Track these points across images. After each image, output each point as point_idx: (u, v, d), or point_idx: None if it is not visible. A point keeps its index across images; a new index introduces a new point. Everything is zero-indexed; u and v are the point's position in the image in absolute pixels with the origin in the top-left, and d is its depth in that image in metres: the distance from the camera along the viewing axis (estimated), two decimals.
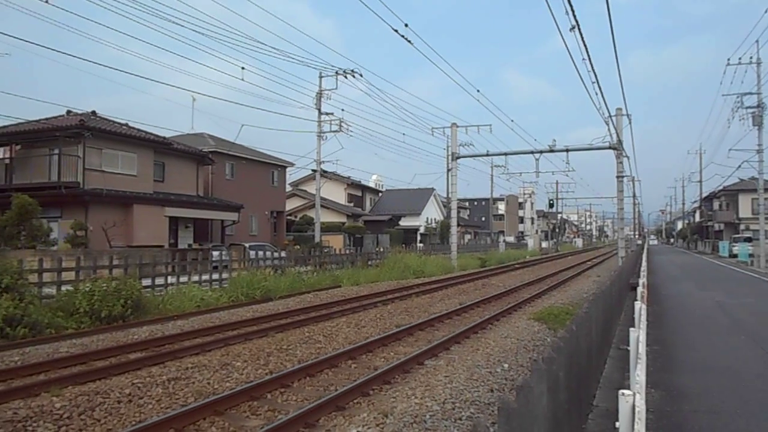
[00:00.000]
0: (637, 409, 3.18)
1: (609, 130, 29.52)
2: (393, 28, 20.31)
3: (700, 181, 67.54)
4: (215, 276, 19.25)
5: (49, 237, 21.85)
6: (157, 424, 6.12)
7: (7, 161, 25.55)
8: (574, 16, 11.65)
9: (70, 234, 22.48)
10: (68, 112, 27.26)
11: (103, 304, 12.73)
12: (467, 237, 73.46)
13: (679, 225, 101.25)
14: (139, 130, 28.60)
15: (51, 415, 6.44)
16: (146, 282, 15.98)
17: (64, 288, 13.97)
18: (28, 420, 6.27)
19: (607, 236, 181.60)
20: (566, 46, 14.69)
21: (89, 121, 25.55)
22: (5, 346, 10.12)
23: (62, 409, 6.60)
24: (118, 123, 28.35)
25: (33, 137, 25.45)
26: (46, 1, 15.59)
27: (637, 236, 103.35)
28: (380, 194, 68.02)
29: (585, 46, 14.19)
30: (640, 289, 10.24)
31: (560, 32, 14.46)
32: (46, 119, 25.95)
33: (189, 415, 6.50)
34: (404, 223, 58.86)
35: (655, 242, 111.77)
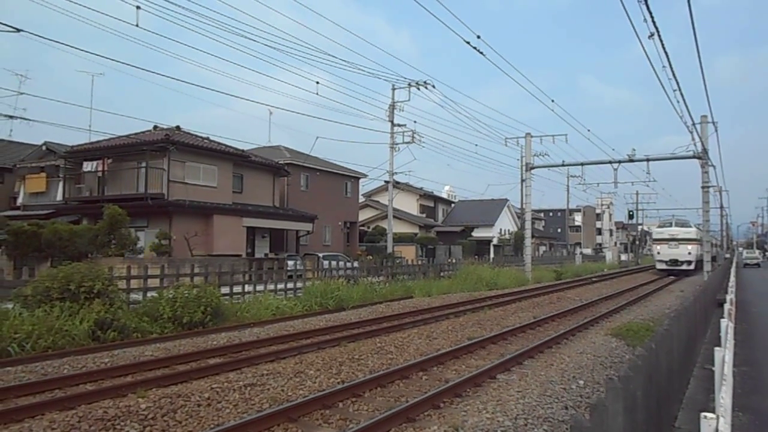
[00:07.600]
0: None
1: (693, 138, 28.31)
2: (465, 40, 20.30)
3: None
4: (290, 285, 19.70)
5: (136, 245, 23.07)
6: (234, 428, 6.34)
7: (100, 174, 27.18)
8: (654, 23, 11.28)
9: (155, 243, 23.64)
10: (155, 127, 28.75)
11: (185, 311, 13.30)
12: (542, 249, 71.91)
13: None
14: (219, 143, 29.84)
15: (137, 416, 6.79)
16: (225, 290, 16.57)
17: (149, 294, 14.73)
18: (116, 419, 6.63)
19: None
20: (646, 53, 14.20)
21: (173, 136, 26.86)
22: (96, 348, 10.77)
23: (147, 410, 6.94)
24: (200, 137, 29.64)
25: (123, 151, 26.97)
26: (137, 25, 16.56)
27: (725, 249, 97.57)
28: (453, 205, 67.67)
29: (666, 53, 13.71)
30: (727, 306, 9.71)
31: (639, 39, 14.01)
32: (135, 134, 27.50)
33: (264, 421, 6.69)
34: (477, 234, 58.27)
35: None
